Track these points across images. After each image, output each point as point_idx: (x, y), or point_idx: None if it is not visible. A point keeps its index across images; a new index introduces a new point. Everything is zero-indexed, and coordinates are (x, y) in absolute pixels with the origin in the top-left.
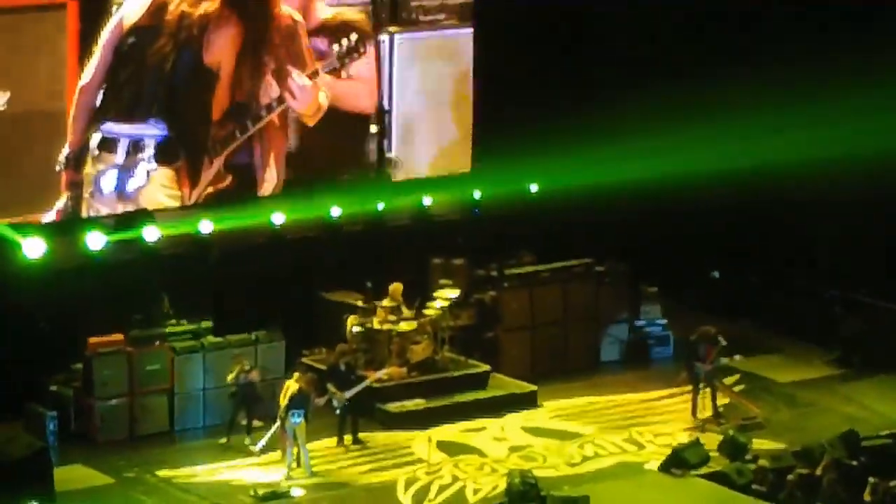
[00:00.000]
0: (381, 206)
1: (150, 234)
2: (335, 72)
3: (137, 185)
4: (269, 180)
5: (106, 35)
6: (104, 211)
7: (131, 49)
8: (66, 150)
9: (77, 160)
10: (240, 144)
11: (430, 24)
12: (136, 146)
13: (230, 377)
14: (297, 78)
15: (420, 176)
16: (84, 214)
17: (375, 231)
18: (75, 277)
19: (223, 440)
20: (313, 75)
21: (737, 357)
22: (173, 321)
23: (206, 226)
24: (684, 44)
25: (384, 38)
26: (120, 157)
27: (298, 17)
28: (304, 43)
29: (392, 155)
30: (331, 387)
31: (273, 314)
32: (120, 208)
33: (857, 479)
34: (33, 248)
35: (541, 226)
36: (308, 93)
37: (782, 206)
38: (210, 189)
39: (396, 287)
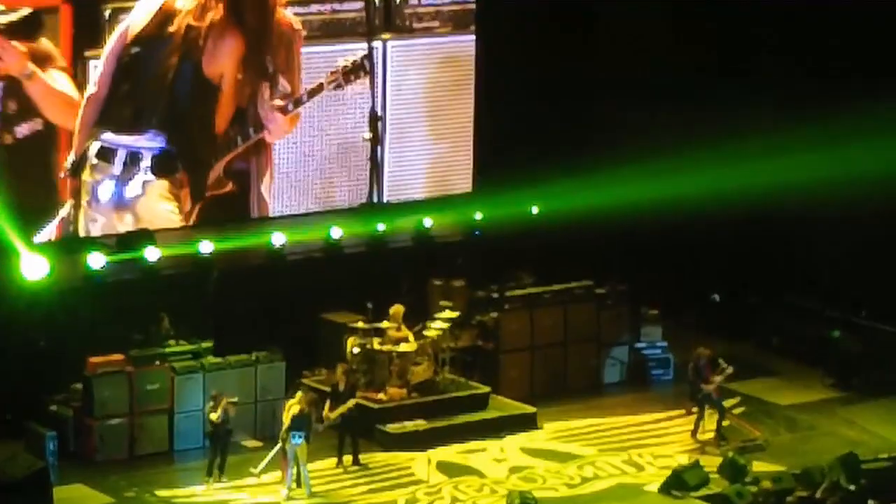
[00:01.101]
0: (381, 227)
1: (151, 254)
2: (339, 88)
3: (134, 195)
4: (266, 189)
5: (111, 45)
6: (101, 220)
7: (134, 59)
8: (70, 158)
9: (76, 168)
10: (241, 151)
11: (424, 30)
12: (133, 158)
13: (215, 416)
14: (272, 112)
15: (416, 184)
16: (81, 222)
17: (376, 252)
18: (75, 297)
19: (225, 479)
20: (294, 104)
21: (729, 370)
22: (173, 341)
23: (206, 246)
24: (686, 65)
25: (377, 44)
26: (117, 167)
27: (298, 25)
28: (298, 54)
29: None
30: (325, 408)
31: (273, 335)
32: (116, 218)
33: (856, 502)
34: (35, 268)
35: (541, 248)
36: (281, 128)
37: (782, 229)
38: (210, 194)
39: (398, 309)
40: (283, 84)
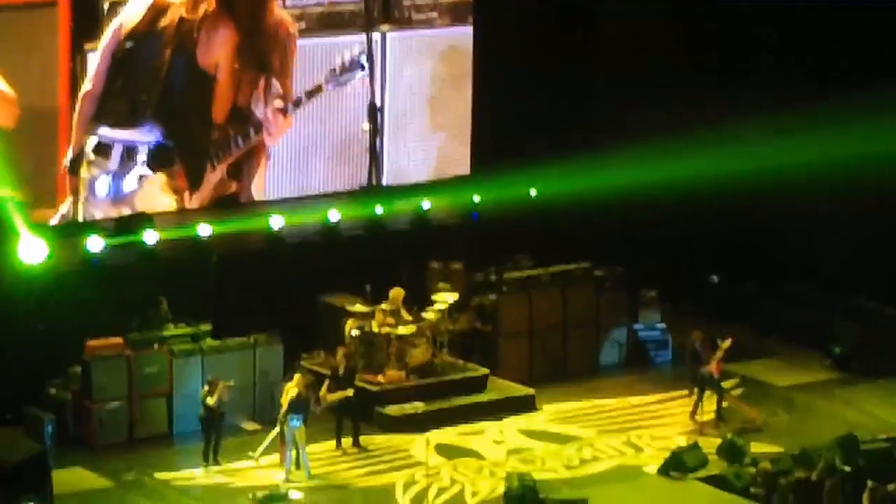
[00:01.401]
0: (380, 210)
1: (149, 237)
2: (339, 86)
3: (131, 190)
4: (257, 189)
5: (105, 41)
6: (99, 215)
7: (129, 54)
8: (69, 155)
9: (74, 164)
10: (243, 153)
11: (423, 22)
12: (129, 152)
13: (212, 400)
14: (273, 115)
15: (415, 175)
16: (80, 219)
17: (374, 235)
18: (74, 281)
19: (222, 461)
20: (294, 105)
21: (726, 342)
22: (172, 324)
23: (204, 229)
24: (684, 50)
25: (377, 36)
26: (114, 162)
27: (293, 28)
28: (293, 57)
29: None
30: (323, 390)
31: (272, 318)
32: (114, 213)
33: (855, 484)
34: (35, 252)
35: (540, 230)
36: (280, 129)
37: (781, 211)
38: (213, 194)
39: (398, 292)
40: (276, 86)
